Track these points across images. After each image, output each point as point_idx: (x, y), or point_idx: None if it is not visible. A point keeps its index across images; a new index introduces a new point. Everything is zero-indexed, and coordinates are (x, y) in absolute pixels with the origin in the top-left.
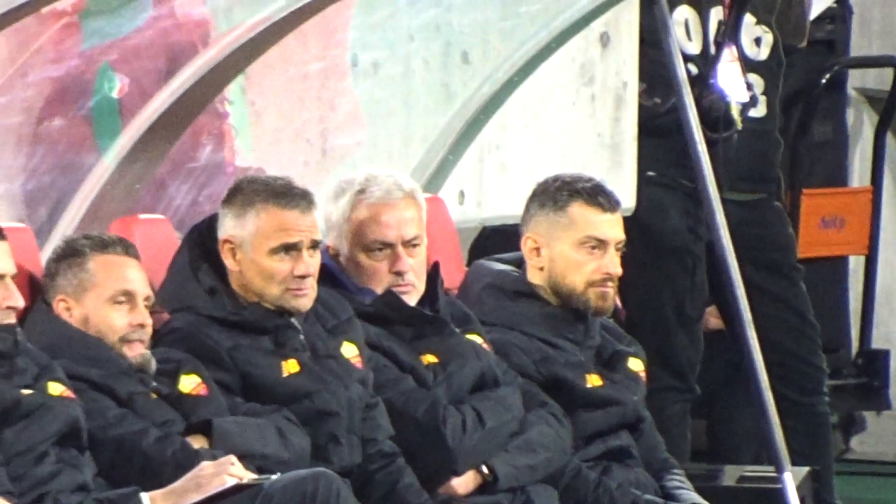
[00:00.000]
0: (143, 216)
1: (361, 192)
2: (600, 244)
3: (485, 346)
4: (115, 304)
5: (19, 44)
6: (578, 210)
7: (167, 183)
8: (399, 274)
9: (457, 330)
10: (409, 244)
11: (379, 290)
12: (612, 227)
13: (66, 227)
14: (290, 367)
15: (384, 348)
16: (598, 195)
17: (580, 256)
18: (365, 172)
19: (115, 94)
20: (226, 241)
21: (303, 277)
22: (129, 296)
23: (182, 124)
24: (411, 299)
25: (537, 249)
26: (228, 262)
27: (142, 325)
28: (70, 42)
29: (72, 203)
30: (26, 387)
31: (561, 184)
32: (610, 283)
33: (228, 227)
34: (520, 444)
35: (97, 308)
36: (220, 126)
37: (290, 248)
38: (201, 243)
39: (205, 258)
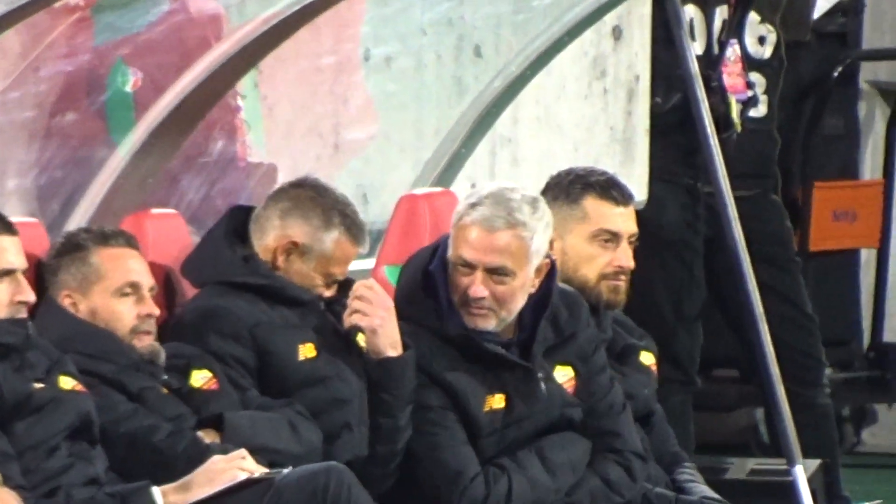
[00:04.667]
0: (155, 211)
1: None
2: (613, 237)
3: (570, 382)
4: (122, 297)
5: (32, 38)
6: (592, 203)
7: (179, 177)
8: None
9: (541, 376)
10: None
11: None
12: (625, 221)
13: (79, 221)
14: (307, 350)
15: (448, 386)
16: (611, 188)
17: (593, 249)
18: (496, 186)
19: (128, 88)
20: (292, 242)
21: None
22: (135, 287)
23: (195, 118)
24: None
25: (550, 242)
26: (280, 257)
27: (149, 315)
28: (82, 37)
29: (84, 197)
30: (38, 381)
31: (574, 177)
32: (622, 277)
33: (297, 229)
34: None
35: (104, 301)
36: (232, 120)
37: (335, 280)
38: (238, 223)
39: (240, 238)
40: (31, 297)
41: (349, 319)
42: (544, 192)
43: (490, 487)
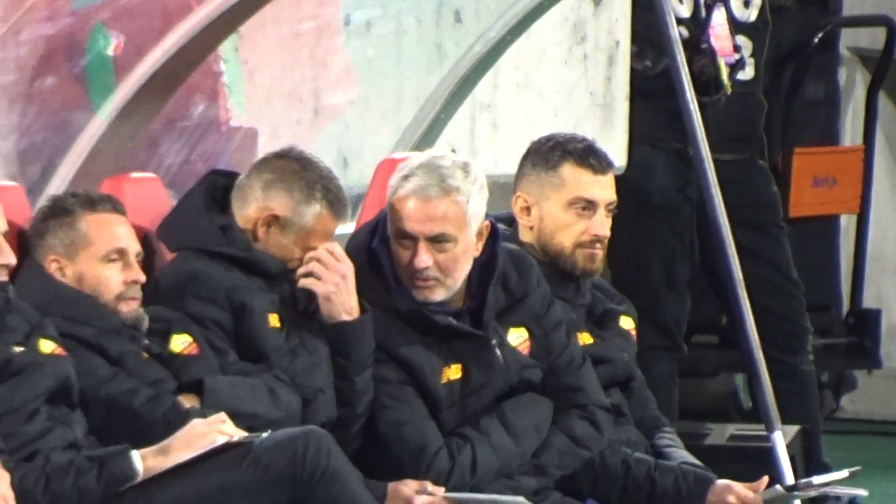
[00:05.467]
0: (134, 175)
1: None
2: (590, 205)
3: (525, 343)
4: (109, 263)
5: (12, 2)
6: (569, 170)
7: (159, 141)
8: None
9: (495, 342)
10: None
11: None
12: (602, 189)
13: (59, 185)
14: (274, 320)
15: (403, 361)
16: (588, 156)
17: (569, 217)
18: (426, 156)
19: (110, 52)
20: (273, 214)
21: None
22: (122, 253)
23: (175, 82)
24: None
25: (528, 209)
26: (261, 230)
27: (135, 282)
28: (63, 1)
29: (64, 161)
30: (17, 344)
31: (554, 144)
32: (598, 245)
33: (279, 202)
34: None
35: (91, 267)
36: (213, 84)
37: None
38: (216, 188)
39: (217, 203)
40: (11, 259)
41: (303, 281)
42: (525, 158)
43: (454, 459)
